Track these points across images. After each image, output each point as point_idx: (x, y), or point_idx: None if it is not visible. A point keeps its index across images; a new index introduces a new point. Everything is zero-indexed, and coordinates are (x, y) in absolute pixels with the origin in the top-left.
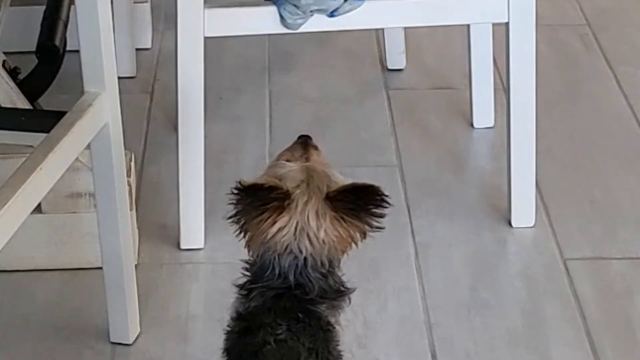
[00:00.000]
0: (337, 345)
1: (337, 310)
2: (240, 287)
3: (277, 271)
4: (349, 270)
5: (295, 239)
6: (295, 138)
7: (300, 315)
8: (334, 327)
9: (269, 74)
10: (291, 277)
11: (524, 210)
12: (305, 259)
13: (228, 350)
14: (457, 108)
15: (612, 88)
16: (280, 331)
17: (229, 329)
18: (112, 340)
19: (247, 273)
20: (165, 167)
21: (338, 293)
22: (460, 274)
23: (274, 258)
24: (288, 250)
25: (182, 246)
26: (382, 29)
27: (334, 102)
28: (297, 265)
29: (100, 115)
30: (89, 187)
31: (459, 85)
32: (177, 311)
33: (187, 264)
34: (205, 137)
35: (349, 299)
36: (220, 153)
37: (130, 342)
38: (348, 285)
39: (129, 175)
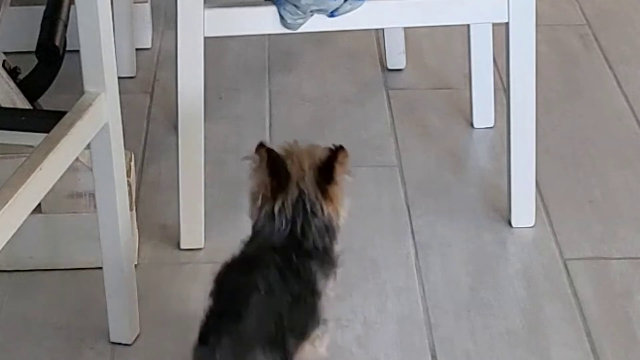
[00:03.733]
0: (322, 313)
1: (326, 274)
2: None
3: (275, 228)
4: (349, 270)
5: (297, 201)
6: (295, 138)
7: (295, 259)
8: (321, 295)
9: (269, 74)
10: (286, 232)
11: (524, 210)
12: (305, 214)
13: (219, 283)
14: (457, 108)
15: (612, 88)
16: (272, 276)
17: (224, 264)
18: (112, 340)
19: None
20: (165, 167)
21: (327, 256)
22: (460, 274)
23: (273, 217)
24: (287, 208)
25: (182, 246)
26: (382, 29)
27: (334, 102)
28: (294, 221)
29: (100, 115)
30: (89, 187)
31: (459, 85)
32: (177, 311)
33: (187, 264)
34: (205, 137)
35: (335, 272)
36: (220, 153)
37: (130, 342)
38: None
39: (129, 175)
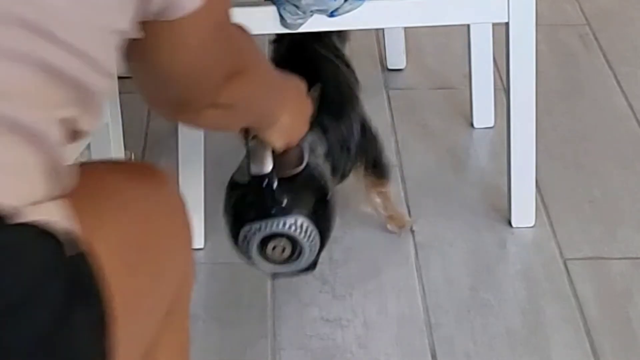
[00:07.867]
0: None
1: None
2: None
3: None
4: (349, 270)
5: None
6: None
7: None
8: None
9: None
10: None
11: (524, 210)
12: None
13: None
14: (457, 108)
15: (612, 88)
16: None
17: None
18: None
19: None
20: (165, 167)
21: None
22: (460, 274)
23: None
24: None
25: None
26: (382, 29)
27: None
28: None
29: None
30: None
31: (459, 85)
32: None
33: None
34: (205, 137)
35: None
36: (220, 153)
37: None
38: None
39: None
